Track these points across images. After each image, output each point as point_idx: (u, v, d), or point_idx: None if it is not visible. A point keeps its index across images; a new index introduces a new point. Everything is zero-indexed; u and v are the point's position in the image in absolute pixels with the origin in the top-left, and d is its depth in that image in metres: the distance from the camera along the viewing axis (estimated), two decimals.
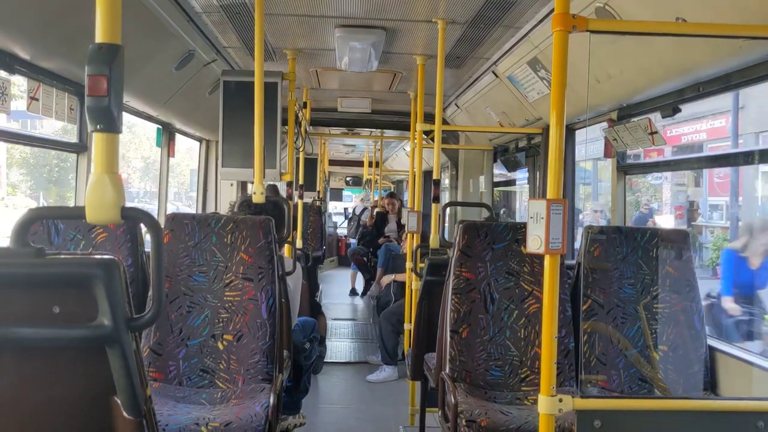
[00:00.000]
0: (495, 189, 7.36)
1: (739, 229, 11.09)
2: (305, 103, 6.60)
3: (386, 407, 5.56)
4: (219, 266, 3.28)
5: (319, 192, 11.02)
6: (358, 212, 13.08)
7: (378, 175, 12.75)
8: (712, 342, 3.31)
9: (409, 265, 5.26)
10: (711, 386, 3.24)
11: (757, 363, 2.98)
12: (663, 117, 3.67)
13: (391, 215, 9.97)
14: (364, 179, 15.38)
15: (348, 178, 17.43)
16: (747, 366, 3.04)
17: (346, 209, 16.12)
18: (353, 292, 11.30)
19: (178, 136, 6.11)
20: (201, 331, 3.22)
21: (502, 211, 8.36)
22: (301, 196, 6.46)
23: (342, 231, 15.54)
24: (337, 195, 19.18)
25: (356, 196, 18.83)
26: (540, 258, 2.23)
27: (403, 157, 12.09)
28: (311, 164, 10.14)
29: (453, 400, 3.03)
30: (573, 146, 4.87)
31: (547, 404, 1.97)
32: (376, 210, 10.66)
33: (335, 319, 8.92)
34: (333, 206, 18.33)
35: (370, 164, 13.67)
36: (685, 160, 5.30)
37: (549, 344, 1.99)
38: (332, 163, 15.07)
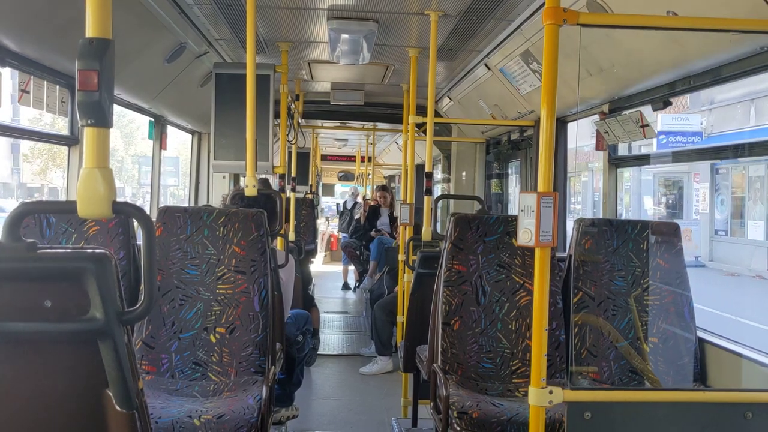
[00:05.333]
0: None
1: None
2: (297, 96, 6.59)
3: (379, 399, 5.58)
4: (211, 259, 3.28)
5: (311, 186, 11.01)
6: (349, 207, 13.08)
7: (370, 169, 12.73)
8: (702, 334, 3.33)
9: (401, 257, 5.27)
10: (700, 377, 3.27)
11: (745, 354, 3.01)
12: (654, 110, 3.69)
13: (383, 208, 9.96)
14: (357, 173, 15.37)
15: (340, 173, 17.40)
16: (736, 357, 3.06)
17: (338, 204, 16.09)
18: (345, 287, 11.31)
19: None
20: (193, 324, 3.22)
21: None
22: (293, 189, 6.46)
23: (334, 227, 15.51)
24: (329, 190, 19.11)
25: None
26: (531, 251, 2.25)
27: (396, 151, 12.09)
28: (303, 158, 10.12)
29: (444, 392, 3.05)
30: (565, 139, 4.89)
31: (537, 396, 1.98)
32: (369, 203, 10.65)
33: (328, 312, 8.93)
34: (324, 201, 18.29)
35: (363, 159, 13.65)
36: (676, 152, 5.32)
37: (539, 336, 2.00)
38: (324, 158, 15.05)
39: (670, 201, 19.55)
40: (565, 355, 3.41)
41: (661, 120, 17.92)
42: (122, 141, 37.80)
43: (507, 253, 3.55)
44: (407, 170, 5.46)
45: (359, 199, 12.53)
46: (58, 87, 3.65)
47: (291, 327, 4.23)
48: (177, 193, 30.71)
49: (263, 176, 5.88)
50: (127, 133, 37.77)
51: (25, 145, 31.44)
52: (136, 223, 3.43)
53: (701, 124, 18.22)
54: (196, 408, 2.78)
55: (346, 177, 17.14)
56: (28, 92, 3.39)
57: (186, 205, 6.64)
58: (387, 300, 6.44)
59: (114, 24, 1.57)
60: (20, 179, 33.59)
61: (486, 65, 5.10)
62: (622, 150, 4.57)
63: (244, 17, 3.82)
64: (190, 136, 6.83)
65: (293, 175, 6.66)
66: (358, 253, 10.18)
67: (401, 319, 5.37)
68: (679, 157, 4.90)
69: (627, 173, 19.13)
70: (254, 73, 3.63)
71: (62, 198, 5.43)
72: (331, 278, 12.19)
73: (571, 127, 4.85)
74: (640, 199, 19.95)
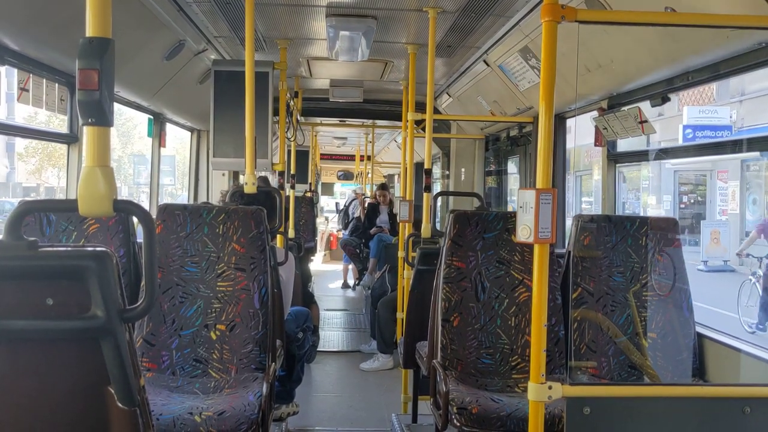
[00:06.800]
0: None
1: None
2: (296, 93, 6.59)
3: (379, 395, 5.60)
4: (211, 257, 3.28)
5: (311, 184, 11.01)
6: (346, 203, 13.09)
7: (370, 168, 12.71)
8: (701, 329, 3.34)
9: (401, 254, 5.28)
10: (699, 373, 3.28)
11: (744, 349, 3.02)
12: (652, 106, 3.70)
13: (382, 206, 9.98)
14: (356, 172, 15.36)
15: (340, 173, 17.38)
16: (735, 352, 3.07)
17: (338, 203, 16.08)
18: (345, 285, 11.31)
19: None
20: (194, 321, 3.23)
21: None
22: (293, 187, 6.46)
23: (333, 226, 15.50)
24: (328, 189, 19.07)
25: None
26: (530, 247, 2.25)
27: (395, 149, 12.08)
28: (303, 156, 10.11)
29: (444, 387, 3.06)
30: (564, 135, 4.90)
31: (536, 391, 1.99)
32: (368, 201, 10.66)
33: (328, 310, 8.95)
34: (325, 202, 18.28)
35: (362, 157, 13.65)
36: (675, 148, 5.33)
37: (538, 332, 2.01)
38: (324, 157, 15.03)
39: (691, 200, 18.80)
40: (565, 351, 3.42)
41: (687, 113, 16.94)
42: (119, 140, 37.60)
43: (506, 249, 3.55)
44: (406, 167, 5.46)
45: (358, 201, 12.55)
46: (57, 85, 3.65)
47: (291, 324, 4.24)
48: (175, 192, 30.50)
49: (262, 174, 5.88)
50: (124, 132, 37.60)
51: (20, 143, 31.28)
52: (135, 221, 3.44)
53: (730, 117, 17.12)
54: (196, 405, 2.79)
55: (346, 176, 17.12)
56: (28, 90, 3.39)
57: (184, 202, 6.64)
58: (390, 298, 6.44)
59: (113, 22, 1.58)
60: (15, 178, 33.39)
61: (485, 61, 5.10)
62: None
63: (242, 14, 3.82)
64: (189, 133, 6.83)
65: (292, 172, 6.65)
66: (357, 251, 10.19)
67: (401, 315, 5.38)
68: (676, 153, 4.91)
69: (645, 170, 18.51)
70: (253, 70, 3.63)
71: (60, 197, 5.43)
72: (330, 276, 12.20)
73: (571, 123, 4.86)
74: (660, 198, 19.10)
